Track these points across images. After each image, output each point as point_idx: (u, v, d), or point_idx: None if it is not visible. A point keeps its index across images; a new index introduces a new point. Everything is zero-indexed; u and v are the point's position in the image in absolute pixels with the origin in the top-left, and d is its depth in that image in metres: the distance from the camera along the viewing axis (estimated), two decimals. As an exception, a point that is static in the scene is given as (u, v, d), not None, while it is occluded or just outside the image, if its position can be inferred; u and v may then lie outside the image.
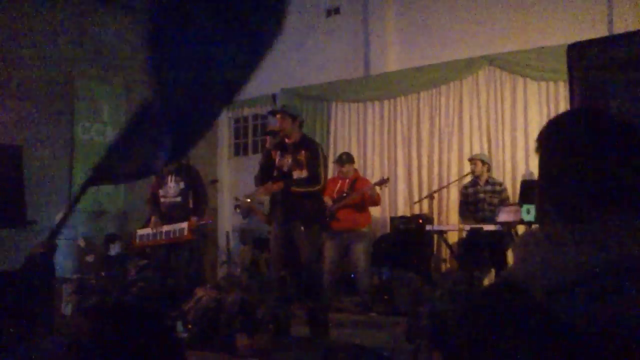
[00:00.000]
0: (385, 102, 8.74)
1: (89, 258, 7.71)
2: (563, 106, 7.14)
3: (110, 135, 8.62)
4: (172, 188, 6.22)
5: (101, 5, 8.39)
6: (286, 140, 5.12)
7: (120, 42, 8.78)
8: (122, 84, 8.79)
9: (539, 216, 1.13)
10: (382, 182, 6.94)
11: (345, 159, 6.94)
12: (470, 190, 7.13)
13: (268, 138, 5.25)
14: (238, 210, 8.60)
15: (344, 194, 6.58)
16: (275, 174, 5.15)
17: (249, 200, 8.04)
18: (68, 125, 8.10)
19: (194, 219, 6.13)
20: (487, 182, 7.05)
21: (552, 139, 1.15)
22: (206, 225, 7.47)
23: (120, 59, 8.78)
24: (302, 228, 5.04)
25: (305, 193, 5.01)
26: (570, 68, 3.54)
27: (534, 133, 6.84)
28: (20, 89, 7.52)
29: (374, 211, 7.98)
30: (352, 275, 6.85)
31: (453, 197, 7.83)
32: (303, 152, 5.02)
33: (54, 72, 7.92)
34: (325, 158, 5.39)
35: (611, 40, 4.05)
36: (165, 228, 6.17)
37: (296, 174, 5.06)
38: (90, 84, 8.41)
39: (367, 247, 6.59)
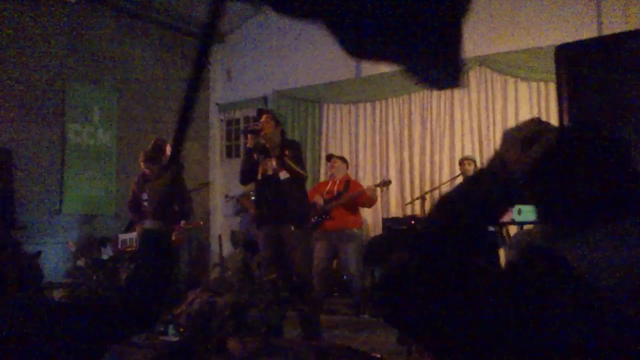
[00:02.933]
0: (377, 103, 8.76)
1: (80, 262, 7.67)
2: (553, 106, 7.17)
3: (101, 138, 8.58)
4: None
5: (93, 8, 8.36)
6: (266, 144, 5.09)
7: (111, 44, 8.75)
8: (113, 87, 8.77)
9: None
10: (384, 183, 6.96)
11: (333, 155, 6.99)
12: None
13: (249, 136, 5.25)
14: (228, 201, 8.59)
15: (337, 194, 6.55)
16: (259, 177, 5.15)
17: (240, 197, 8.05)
18: (59, 127, 8.06)
19: (181, 222, 6.06)
20: None
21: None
22: (195, 229, 7.44)
23: (112, 61, 8.76)
24: (292, 229, 5.04)
25: (298, 175, 5.02)
26: (558, 69, 3.54)
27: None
28: (10, 92, 7.47)
29: (366, 212, 7.99)
30: (344, 277, 6.85)
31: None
32: (286, 151, 5.03)
33: (45, 74, 7.88)
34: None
35: (600, 42, 4.06)
36: None
37: (282, 175, 5.06)
38: (82, 86, 8.37)
39: (358, 248, 6.57)
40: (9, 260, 1.89)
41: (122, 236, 6.38)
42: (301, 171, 5.05)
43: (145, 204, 6.11)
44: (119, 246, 6.43)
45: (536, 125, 1.22)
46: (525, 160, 1.15)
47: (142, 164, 6.06)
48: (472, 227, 1.15)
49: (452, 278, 1.09)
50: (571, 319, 1.01)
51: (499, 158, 1.19)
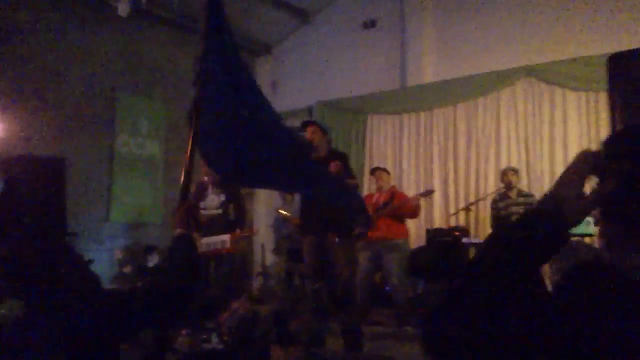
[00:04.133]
0: (422, 113, 8.70)
1: (127, 269, 7.82)
2: (603, 117, 7.00)
3: (149, 149, 8.76)
4: (212, 201, 6.17)
5: (143, 21, 8.56)
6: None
7: (160, 57, 8.95)
8: (161, 99, 8.95)
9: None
10: (428, 192, 6.90)
11: (383, 169, 6.95)
12: (501, 204, 6.98)
13: None
14: (280, 217, 8.56)
15: (383, 205, 6.51)
16: None
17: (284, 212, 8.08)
18: (109, 138, 8.27)
19: (237, 231, 6.07)
20: (519, 194, 6.93)
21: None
22: (248, 238, 7.47)
23: (160, 73, 8.95)
24: (337, 240, 5.02)
25: (354, 186, 5.01)
26: (611, 79, 3.45)
27: (573, 144, 6.74)
28: (63, 103, 7.71)
29: (410, 223, 7.93)
30: (387, 288, 6.79)
31: (490, 209, 7.74)
32: (336, 162, 4.99)
33: (97, 86, 8.10)
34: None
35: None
36: (206, 240, 6.11)
37: None
38: (131, 98, 8.58)
39: (401, 259, 6.48)
40: (71, 265, 1.98)
41: None
42: (351, 181, 5.01)
43: (204, 212, 6.13)
44: None
45: (590, 161, 1.18)
46: (585, 204, 1.12)
47: (204, 168, 6.12)
48: (524, 268, 1.12)
49: (506, 312, 1.07)
50: (632, 327, 0.99)
51: (553, 198, 1.14)
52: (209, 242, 6.03)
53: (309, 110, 9.58)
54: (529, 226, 1.13)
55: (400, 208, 6.45)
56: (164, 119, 8.95)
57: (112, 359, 1.88)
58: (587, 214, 1.12)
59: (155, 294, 1.99)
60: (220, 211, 6.15)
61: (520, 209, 6.80)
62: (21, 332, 1.83)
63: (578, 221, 1.11)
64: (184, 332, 4.70)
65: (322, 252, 5.10)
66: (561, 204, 1.12)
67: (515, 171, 7.04)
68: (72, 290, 1.89)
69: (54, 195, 6.85)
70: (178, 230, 2.29)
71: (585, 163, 1.15)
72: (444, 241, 7.51)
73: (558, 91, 7.68)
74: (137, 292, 2.09)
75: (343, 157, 5.21)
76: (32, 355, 1.74)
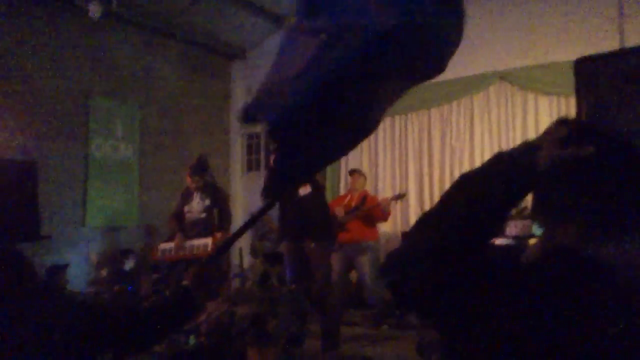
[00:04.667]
0: (397, 117, 8.78)
1: (103, 272, 7.77)
2: (574, 121, 7.14)
3: (124, 152, 8.72)
4: (197, 204, 6.24)
5: (115, 24, 8.52)
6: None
7: (133, 60, 8.91)
8: (135, 102, 8.91)
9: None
10: (399, 196, 6.99)
11: (356, 170, 7.03)
12: None
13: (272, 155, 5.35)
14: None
15: (354, 208, 6.59)
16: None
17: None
18: (83, 141, 8.21)
19: (218, 234, 6.14)
20: None
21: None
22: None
23: (134, 76, 8.91)
24: (313, 244, 5.11)
25: (317, 185, 5.13)
26: (577, 82, 3.55)
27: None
28: (36, 106, 7.63)
29: (386, 226, 8.00)
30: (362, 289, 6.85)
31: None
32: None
33: (70, 89, 8.04)
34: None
35: (621, 54, 4.04)
36: (189, 243, 6.19)
37: (302, 191, 5.14)
38: (105, 101, 8.52)
39: (373, 260, 6.57)
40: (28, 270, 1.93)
41: (163, 245, 6.43)
42: (318, 181, 5.15)
43: (189, 216, 6.21)
44: (159, 255, 6.47)
45: (579, 127, 1.20)
46: (558, 155, 1.12)
47: (188, 177, 6.18)
48: (493, 211, 1.13)
49: (467, 269, 1.09)
50: (601, 317, 1.01)
51: (525, 145, 1.16)
52: (191, 245, 6.12)
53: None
54: (498, 167, 1.15)
55: (371, 211, 6.54)
56: (137, 122, 8.91)
57: None
58: (557, 163, 1.12)
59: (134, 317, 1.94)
60: (204, 215, 6.23)
61: None
62: None
63: (549, 169, 1.11)
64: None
65: (300, 256, 5.20)
66: (533, 150, 1.14)
67: None
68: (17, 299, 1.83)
69: (26, 197, 6.79)
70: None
71: (560, 128, 1.17)
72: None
73: (530, 96, 7.82)
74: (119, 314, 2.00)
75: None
76: None
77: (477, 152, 8.09)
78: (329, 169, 8.96)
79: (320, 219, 5.29)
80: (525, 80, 7.79)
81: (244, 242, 9.14)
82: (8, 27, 7.42)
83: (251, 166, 10.49)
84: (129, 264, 7.87)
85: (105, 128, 8.51)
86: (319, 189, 5.39)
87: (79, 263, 7.68)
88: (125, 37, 8.79)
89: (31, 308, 1.80)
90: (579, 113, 3.44)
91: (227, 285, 7.01)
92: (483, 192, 1.14)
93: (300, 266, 5.25)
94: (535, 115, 7.75)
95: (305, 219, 5.15)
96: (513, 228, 6.40)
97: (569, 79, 6.53)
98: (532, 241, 6.36)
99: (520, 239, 6.31)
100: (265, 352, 4.29)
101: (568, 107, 7.43)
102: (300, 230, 5.18)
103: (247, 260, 8.28)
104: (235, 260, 8.25)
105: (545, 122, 7.60)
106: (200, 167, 6.10)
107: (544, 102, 7.72)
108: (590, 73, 3.50)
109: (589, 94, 3.46)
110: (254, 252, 8.24)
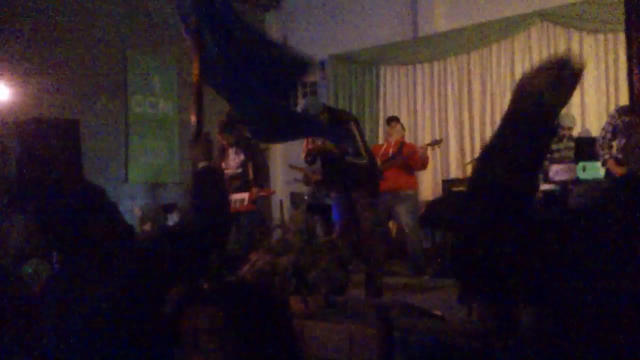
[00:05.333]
0: (435, 63, 8.59)
1: (146, 227, 7.92)
2: (622, 58, 6.85)
3: (162, 108, 8.77)
4: (233, 160, 6.25)
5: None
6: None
7: (169, 14, 8.85)
8: (172, 57, 8.90)
9: None
10: (436, 142, 6.88)
11: (394, 118, 6.93)
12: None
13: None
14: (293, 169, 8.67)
15: (392, 156, 6.51)
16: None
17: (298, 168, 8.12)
18: (122, 98, 8.28)
19: (254, 189, 6.16)
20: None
21: None
22: (267, 197, 7.49)
23: (170, 31, 8.87)
24: (362, 195, 5.09)
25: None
26: (628, 15, 3.38)
27: (591, 88, 6.62)
28: (75, 64, 7.71)
29: (426, 174, 7.92)
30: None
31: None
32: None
33: (106, 46, 8.08)
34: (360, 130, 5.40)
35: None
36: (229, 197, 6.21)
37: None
38: (142, 57, 8.55)
39: (412, 209, 6.50)
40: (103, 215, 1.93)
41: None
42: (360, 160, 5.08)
43: (227, 172, 6.22)
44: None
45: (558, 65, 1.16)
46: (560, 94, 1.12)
47: (218, 135, 6.17)
48: (525, 170, 1.12)
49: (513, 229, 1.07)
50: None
51: (532, 98, 1.15)
52: (230, 200, 6.13)
53: (322, 63, 9.49)
54: (517, 123, 1.16)
55: (409, 159, 6.45)
56: (175, 77, 8.92)
57: (156, 310, 1.81)
58: (566, 100, 1.13)
59: (189, 234, 1.90)
60: (239, 170, 6.23)
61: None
62: (57, 289, 1.81)
63: (558, 104, 1.12)
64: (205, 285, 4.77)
65: (350, 207, 5.19)
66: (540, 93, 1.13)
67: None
68: (106, 241, 1.82)
69: (70, 155, 6.93)
70: (201, 164, 2.16)
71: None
72: (460, 191, 7.50)
73: (575, 34, 7.53)
74: (170, 235, 2.00)
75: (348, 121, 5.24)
76: (72, 313, 1.68)
77: (519, 96, 7.86)
78: (367, 119, 8.87)
79: (369, 173, 5.24)
80: (568, 18, 7.49)
81: (285, 194, 9.19)
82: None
83: (289, 118, 10.45)
84: (171, 219, 8.00)
85: (143, 84, 8.56)
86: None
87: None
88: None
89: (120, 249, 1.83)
90: (628, 45, 3.30)
91: (269, 235, 7.09)
92: (513, 156, 1.13)
93: (349, 216, 5.25)
94: (580, 55, 7.46)
95: (353, 171, 5.12)
96: (556, 173, 6.24)
97: (614, 15, 6.32)
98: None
99: (565, 183, 6.18)
100: (307, 301, 4.33)
101: (616, 45, 7.14)
102: (349, 182, 5.16)
103: (289, 212, 8.33)
104: (275, 215, 8.31)
105: (590, 61, 7.33)
106: (230, 124, 6.05)
107: (589, 40, 7.42)
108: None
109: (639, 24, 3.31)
110: (294, 202, 8.28)
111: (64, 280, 1.81)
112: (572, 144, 6.71)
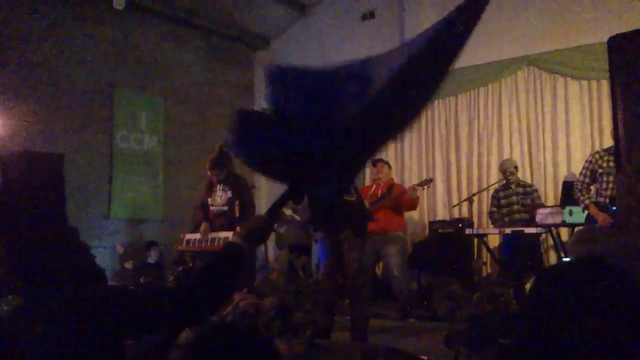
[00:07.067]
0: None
1: (128, 265, 7.79)
2: (606, 104, 6.95)
3: (148, 144, 8.72)
4: (219, 197, 6.18)
5: (139, 15, 8.51)
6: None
7: (157, 51, 8.89)
8: (159, 92, 8.90)
9: None
10: (426, 182, 6.85)
11: (380, 159, 6.90)
12: (502, 194, 6.98)
13: None
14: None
15: (381, 197, 6.47)
16: None
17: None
18: (107, 133, 8.23)
19: (239, 228, 6.07)
20: (518, 185, 6.92)
21: None
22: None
23: (158, 67, 8.90)
24: (349, 236, 5.02)
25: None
26: (611, 62, 3.40)
27: (576, 133, 6.67)
28: (61, 98, 7.67)
29: (413, 215, 7.89)
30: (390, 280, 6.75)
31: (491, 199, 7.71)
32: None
33: (94, 81, 8.06)
34: None
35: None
36: (213, 235, 6.13)
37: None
38: (129, 92, 8.53)
39: (401, 251, 6.43)
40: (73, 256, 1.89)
41: (188, 236, 6.37)
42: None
43: (212, 209, 6.14)
44: (184, 245, 6.39)
45: None
46: None
47: (208, 171, 6.11)
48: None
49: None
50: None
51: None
52: (214, 237, 6.05)
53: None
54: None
55: (398, 199, 6.41)
56: (162, 112, 8.90)
57: (117, 353, 1.76)
58: None
59: (178, 302, 1.81)
60: (226, 207, 6.15)
61: (520, 199, 6.79)
62: (18, 325, 1.77)
63: None
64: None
65: (336, 248, 5.10)
66: None
67: (515, 168, 7.01)
68: (72, 282, 1.80)
69: (54, 190, 6.83)
70: (236, 239, 1.95)
71: None
72: (447, 233, 7.47)
73: (560, 80, 7.63)
74: (163, 293, 1.92)
75: None
76: (30, 349, 1.67)
77: (505, 138, 7.92)
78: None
79: (357, 212, 5.17)
80: (554, 64, 7.60)
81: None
82: (33, 19, 7.46)
83: (275, 157, 10.42)
84: (153, 257, 7.88)
85: (129, 119, 8.52)
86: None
87: (105, 255, 7.71)
88: (150, 28, 8.79)
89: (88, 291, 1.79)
90: (613, 93, 3.32)
91: (253, 276, 6.99)
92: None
93: (335, 257, 5.16)
94: (564, 100, 7.55)
95: (341, 212, 5.04)
96: (542, 217, 6.23)
97: (598, 63, 6.40)
98: (563, 230, 6.20)
99: (550, 227, 6.17)
100: (291, 344, 4.23)
101: (599, 91, 7.24)
102: (337, 220, 5.08)
103: (272, 253, 8.23)
104: (259, 254, 8.21)
105: (575, 107, 7.42)
106: (220, 161, 6.00)
107: (574, 86, 7.52)
108: (624, 50, 3.36)
109: (623, 71, 3.33)
110: (279, 243, 8.19)
111: (26, 316, 1.78)
112: (520, 190, 6.85)
